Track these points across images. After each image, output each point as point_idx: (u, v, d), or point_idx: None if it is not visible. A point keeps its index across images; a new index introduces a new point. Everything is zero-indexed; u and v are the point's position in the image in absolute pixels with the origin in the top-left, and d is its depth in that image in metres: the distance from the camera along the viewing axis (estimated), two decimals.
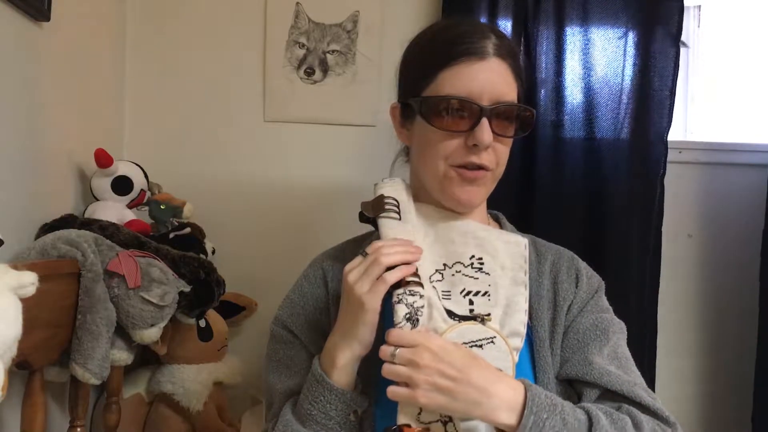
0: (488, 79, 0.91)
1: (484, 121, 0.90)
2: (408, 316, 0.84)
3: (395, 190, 0.97)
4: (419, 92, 0.95)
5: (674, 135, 1.71)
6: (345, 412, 0.88)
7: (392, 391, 0.81)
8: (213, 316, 1.62)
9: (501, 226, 1.07)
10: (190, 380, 1.52)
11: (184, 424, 1.54)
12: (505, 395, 0.81)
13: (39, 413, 1.09)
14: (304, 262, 1.11)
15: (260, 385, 1.64)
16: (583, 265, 1.05)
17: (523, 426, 0.80)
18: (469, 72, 0.91)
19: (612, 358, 0.95)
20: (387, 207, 0.93)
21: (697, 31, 2.02)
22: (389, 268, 0.85)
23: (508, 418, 0.80)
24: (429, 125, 0.93)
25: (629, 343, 1.01)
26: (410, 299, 0.85)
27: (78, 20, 1.45)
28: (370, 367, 0.89)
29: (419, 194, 1.00)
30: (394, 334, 0.83)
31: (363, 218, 0.96)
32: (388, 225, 0.92)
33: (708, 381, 1.82)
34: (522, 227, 1.11)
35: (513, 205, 1.60)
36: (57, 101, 1.36)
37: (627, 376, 0.93)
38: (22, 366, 1.04)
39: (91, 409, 1.48)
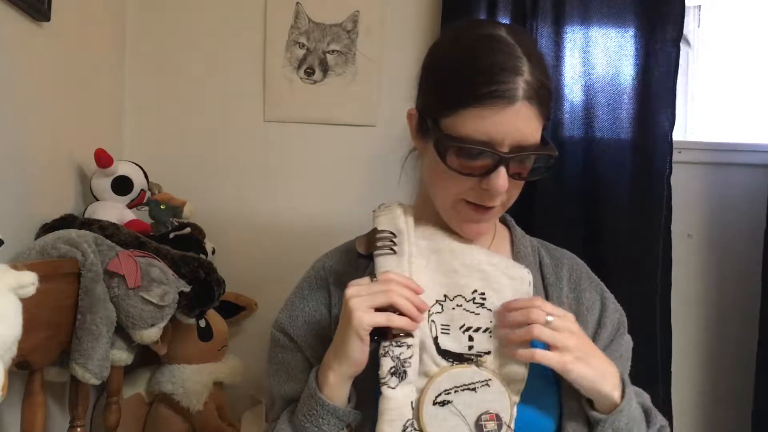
0: (512, 124, 0.84)
1: (501, 169, 0.85)
2: (393, 370, 0.83)
3: (390, 219, 0.93)
4: (437, 118, 0.89)
5: (674, 135, 1.70)
6: (337, 426, 0.87)
7: (543, 355, 0.84)
8: (213, 316, 1.62)
9: (510, 231, 1.06)
10: (190, 380, 1.52)
11: (184, 424, 1.54)
12: (612, 371, 0.88)
13: (39, 413, 1.09)
14: (303, 262, 1.11)
15: (260, 384, 1.65)
16: (603, 285, 1.05)
17: (627, 401, 0.86)
18: (493, 117, 0.84)
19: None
20: (380, 244, 0.90)
21: (697, 31, 2.02)
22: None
23: (617, 395, 0.87)
24: (444, 164, 0.88)
25: (640, 345, 1.04)
26: (396, 351, 0.84)
27: (78, 20, 1.45)
28: (370, 388, 0.87)
29: (427, 206, 0.97)
30: (539, 302, 0.87)
31: (360, 255, 0.94)
32: (382, 263, 0.89)
33: (708, 381, 1.82)
34: (521, 228, 1.10)
35: (513, 205, 1.60)
36: (57, 101, 1.36)
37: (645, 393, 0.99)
38: (22, 366, 1.04)
39: (91, 409, 1.48)
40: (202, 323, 1.59)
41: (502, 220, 1.07)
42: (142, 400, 1.55)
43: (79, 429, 1.23)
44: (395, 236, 0.91)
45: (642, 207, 1.68)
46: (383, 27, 1.78)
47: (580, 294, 0.99)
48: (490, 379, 0.86)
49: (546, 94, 0.88)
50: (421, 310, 0.85)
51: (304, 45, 1.77)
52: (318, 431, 0.87)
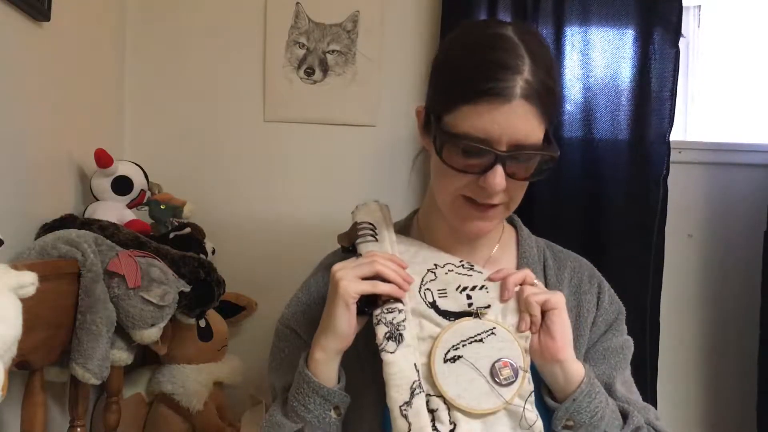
0: (510, 122, 0.84)
1: (498, 168, 0.85)
2: (388, 335, 0.84)
3: (369, 213, 0.98)
4: (440, 115, 0.89)
5: (674, 135, 1.71)
6: (324, 407, 0.87)
7: (544, 291, 0.87)
8: (213, 316, 1.62)
9: (517, 231, 1.06)
10: (190, 380, 1.52)
11: (184, 424, 1.54)
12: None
13: (39, 413, 1.09)
14: (304, 262, 1.11)
15: (260, 384, 1.65)
16: (605, 282, 1.04)
17: (587, 380, 0.86)
18: (491, 114, 0.84)
19: (622, 383, 0.99)
20: (361, 233, 0.93)
21: (697, 31, 2.02)
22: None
23: (579, 369, 0.86)
24: (441, 160, 0.88)
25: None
26: (389, 317, 0.85)
27: (78, 20, 1.45)
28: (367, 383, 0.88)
29: (433, 206, 0.98)
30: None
31: (344, 249, 0.96)
32: (365, 249, 0.92)
33: (709, 382, 1.82)
34: None
35: None
36: (57, 101, 1.36)
37: (641, 402, 0.98)
38: (22, 366, 1.05)
39: (91, 409, 1.48)
40: (202, 323, 1.59)
41: (510, 221, 1.07)
42: (142, 400, 1.55)
43: (79, 429, 1.23)
44: (375, 227, 0.94)
45: (639, 208, 1.68)
46: (383, 27, 1.78)
47: (580, 297, 1.00)
48: (494, 328, 0.86)
49: (548, 94, 0.87)
50: (407, 282, 0.87)
51: (304, 45, 1.77)
52: (305, 411, 0.87)
